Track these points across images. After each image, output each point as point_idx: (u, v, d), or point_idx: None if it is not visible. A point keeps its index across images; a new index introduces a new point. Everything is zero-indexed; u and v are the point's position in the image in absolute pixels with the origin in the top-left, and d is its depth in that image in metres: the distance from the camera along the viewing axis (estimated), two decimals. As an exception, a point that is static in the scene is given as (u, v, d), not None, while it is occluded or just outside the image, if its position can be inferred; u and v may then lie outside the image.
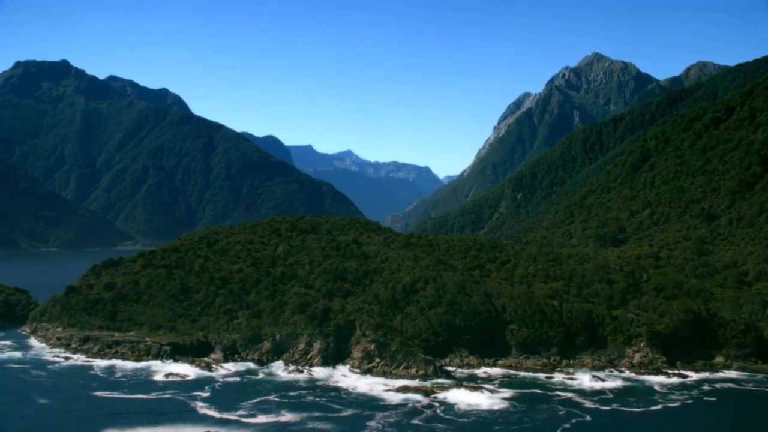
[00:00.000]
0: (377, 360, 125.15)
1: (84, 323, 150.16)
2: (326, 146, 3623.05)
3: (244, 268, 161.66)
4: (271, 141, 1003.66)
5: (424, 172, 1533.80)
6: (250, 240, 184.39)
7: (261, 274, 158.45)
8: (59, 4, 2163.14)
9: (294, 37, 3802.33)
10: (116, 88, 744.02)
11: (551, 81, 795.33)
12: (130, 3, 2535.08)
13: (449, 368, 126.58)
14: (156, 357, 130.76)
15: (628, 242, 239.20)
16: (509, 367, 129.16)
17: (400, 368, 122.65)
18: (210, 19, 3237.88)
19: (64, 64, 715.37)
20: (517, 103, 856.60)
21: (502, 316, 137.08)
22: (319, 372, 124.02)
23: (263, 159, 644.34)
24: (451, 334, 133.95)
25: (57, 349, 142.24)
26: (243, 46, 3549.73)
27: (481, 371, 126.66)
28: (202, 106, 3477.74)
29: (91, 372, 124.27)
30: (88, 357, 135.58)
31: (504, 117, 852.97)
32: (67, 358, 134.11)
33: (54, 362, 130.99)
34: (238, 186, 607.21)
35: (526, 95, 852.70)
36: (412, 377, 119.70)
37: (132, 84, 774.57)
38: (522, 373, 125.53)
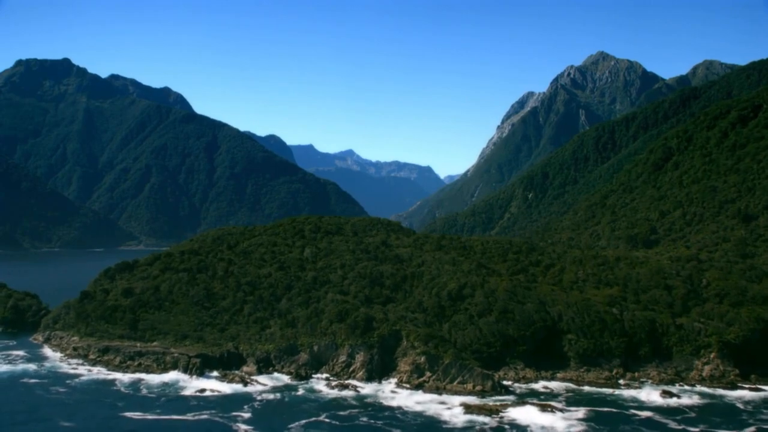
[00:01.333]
0: (428, 374, 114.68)
1: (102, 332, 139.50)
2: (327, 146, 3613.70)
3: (273, 272, 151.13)
4: (274, 140, 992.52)
5: (426, 172, 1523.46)
6: (274, 242, 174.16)
7: (291, 279, 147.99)
8: (61, 3, 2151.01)
9: (295, 37, 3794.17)
10: (118, 86, 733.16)
11: (556, 80, 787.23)
12: (132, 2, 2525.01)
13: (505, 382, 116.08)
14: (185, 370, 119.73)
15: (660, 243, 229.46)
16: (570, 380, 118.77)
17: (455, 383, 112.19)
18: (211, 18, 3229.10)
19: (66, 62, 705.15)
20: (521, 103, 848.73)
21: (558, 325, 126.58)
22: (365, 388, 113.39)
23: (267, 158, 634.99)
24: (504, 345, 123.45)
25: (74, 360, 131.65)
26: (244, 45, 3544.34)
27: (539, 385, 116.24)
28: (203, 106, 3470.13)
29: (115, 387, 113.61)
30: (109, 369, 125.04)
31: (508, 116, 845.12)
32: (87, 371, 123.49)
33: (73, 376, 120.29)
34: (242, 185, 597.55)
35: (530, 94, 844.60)
36: (469, 393, 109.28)
37: (134, 83, 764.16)
38: (585, 388, 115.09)
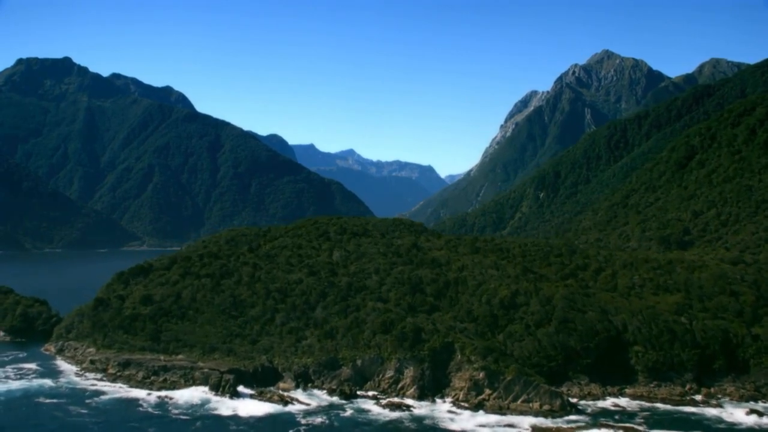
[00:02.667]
0: (488, 391, 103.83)
1: (122, 343, 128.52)
2: (328, 145, 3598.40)
3: (303, 278, 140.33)
4: (275, 140, 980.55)
5: (428, 171, 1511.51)
6: (299, 245, 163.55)
7: (324, 285, 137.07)
8: (61, 2, 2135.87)
9: (296, 37, 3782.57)
10: (119, 85, 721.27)
11: (561, 78, 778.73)
12: (133, 1, 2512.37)
13: (570, 399, 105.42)
14: (216, 388, 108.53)
15: (695, 245, 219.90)
16: (640, 397, 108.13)
17: (519, 402, 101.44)
18: (211, 18, 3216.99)
19: (67, 61, 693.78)
20: (524, 102, 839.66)
21: (623, 336, 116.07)
22: (419, 407, 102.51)
23: (271, 158, 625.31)
24: (566, 358, 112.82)
25: (92, 375, 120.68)
26: (244, 45, 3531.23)
27: (608, 403, 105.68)
28: (204, 105, 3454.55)
29: (141, 408, 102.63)
30: (130, 386, 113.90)
31: (511, 115, 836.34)
32: (107, 388, 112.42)
33: (93, 393, 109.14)
34: (246, 185, 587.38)
35: (533, 93, 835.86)
36: (536, 413, 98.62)
37: (135, 81, 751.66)
38: (660, 405, 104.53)
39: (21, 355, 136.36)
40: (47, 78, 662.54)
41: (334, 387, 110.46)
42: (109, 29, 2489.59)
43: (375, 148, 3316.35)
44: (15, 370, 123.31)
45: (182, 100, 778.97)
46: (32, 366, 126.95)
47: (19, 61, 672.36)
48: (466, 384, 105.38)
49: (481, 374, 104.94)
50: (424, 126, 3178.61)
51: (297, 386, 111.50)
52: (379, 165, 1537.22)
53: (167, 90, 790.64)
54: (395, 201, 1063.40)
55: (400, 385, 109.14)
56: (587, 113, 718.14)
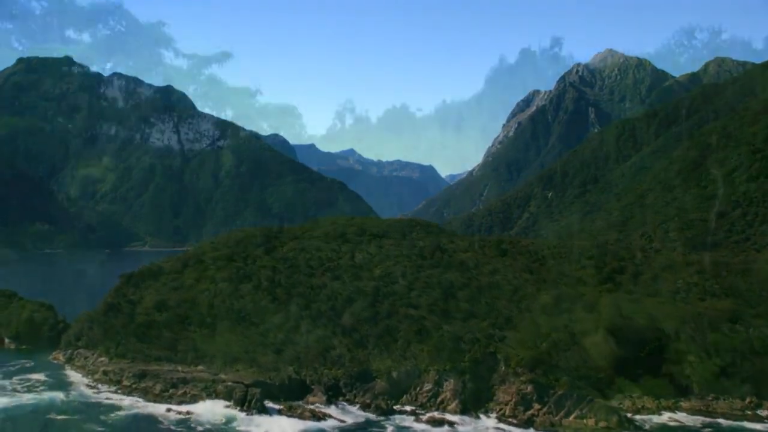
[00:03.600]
0: (536, 406, 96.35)
1: (136, 353, 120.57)
2: (329, 145, 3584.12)
3: (327, 282, 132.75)
4: (277, 139, 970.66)
5: (428, 171, 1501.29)
6: (317, 247, 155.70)
7: (350, 290, 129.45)
8: (62, 4, 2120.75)
9: (297, 36, 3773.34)
10: (120, 85, 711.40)
11: (564, 78, 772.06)
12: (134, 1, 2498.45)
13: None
14: (241, 403, 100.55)
15: (722, 246, 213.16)
16: (698, 411, 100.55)
17: (571, 418, 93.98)
18: (211, 17, 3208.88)
19: (67, 60, 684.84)
20: (527, 101, 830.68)
21: (675, 345, 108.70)
22: (463, 424, 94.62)
23: (273, 157, 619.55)
24: (615, 369, 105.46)
25: (105, 387, 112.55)
26: (245, 44, 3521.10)
27: (665, 418, 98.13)
28: (206, 104, 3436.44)
29: (162, 425, 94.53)
30: (147, 400, 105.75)
31: (513, 115, 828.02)
32: (123, 402, 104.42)
33: (108, 408, 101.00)
34: (248, 185, 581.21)
35: (536, 92, 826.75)
36: (591, 431, 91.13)
37: (136, 80, 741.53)
38: (722, 421, 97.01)
39: (28, 365, 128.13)
40: (48, 77, 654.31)
41: (368, 401, 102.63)
42: (110, 29, 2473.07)
43: (375, 148, 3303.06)
44: (22, 381, 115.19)
45: (183, 99, 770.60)
46: (40, 377, 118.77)
47: (20, 61, 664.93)
48: (512, 398, 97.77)
49: (529, 388, 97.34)
50: (425, 125, 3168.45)
51: (328, 400, 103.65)
52: (379, 164, 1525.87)
53: (168, 89, 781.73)
54: (397, 200, 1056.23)
55: (439, 399, 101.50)
56: (591, 112, 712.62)
